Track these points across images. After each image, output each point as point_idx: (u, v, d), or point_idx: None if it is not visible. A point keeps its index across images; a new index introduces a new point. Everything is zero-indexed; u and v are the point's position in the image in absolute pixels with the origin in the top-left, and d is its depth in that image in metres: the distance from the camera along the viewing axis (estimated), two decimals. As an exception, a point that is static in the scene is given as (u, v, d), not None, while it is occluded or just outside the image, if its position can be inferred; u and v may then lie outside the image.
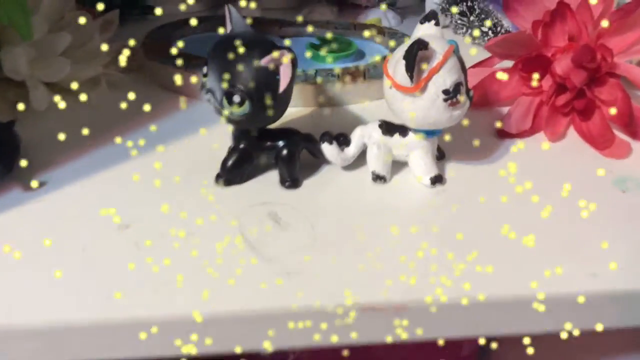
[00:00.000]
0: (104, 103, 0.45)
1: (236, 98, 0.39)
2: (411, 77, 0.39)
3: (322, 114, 0.51)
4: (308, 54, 0.55)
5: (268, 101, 0.39)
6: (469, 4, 0.64)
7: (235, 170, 0.42)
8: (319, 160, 0.43)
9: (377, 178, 0.42)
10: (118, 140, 0.40)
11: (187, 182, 0.42)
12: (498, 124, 0.45)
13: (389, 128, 0.42)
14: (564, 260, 0.36)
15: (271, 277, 0.35)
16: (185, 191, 0.42)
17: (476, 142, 0.42)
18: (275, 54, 0.38)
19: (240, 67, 0.39)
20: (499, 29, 0.64)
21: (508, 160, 0.48)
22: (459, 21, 0.65)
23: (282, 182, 0.42)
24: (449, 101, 0.40)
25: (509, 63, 0.51)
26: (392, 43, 0.51)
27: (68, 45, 0.48)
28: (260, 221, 0.40)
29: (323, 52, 0.55)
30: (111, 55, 0.52)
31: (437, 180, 0.42)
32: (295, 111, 0.51)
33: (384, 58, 0.56)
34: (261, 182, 0.42)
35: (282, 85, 0.39)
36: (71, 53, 0.49)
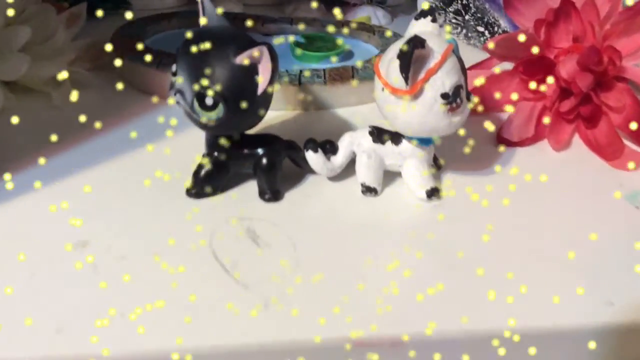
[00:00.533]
0: (69, 104, 0.41)
1: (208, 100, 0.35)
2: (406, 79, 0.35)
3: (306, 118, 0.48)
4: (292, 53, 0.52)
5: (245, 104, 0.35)
6: (464, 1, 0.60)
7: (209, 182, 0.38)
8: (303, 171, 0.40)
9: (368, 190, 0.39)
10: (80, 145, 0.36)
11: (155, 194, 0.38)
12: (490, 128, 0.40)
13: (380, 135, 0.38)
14: (576, 287, 0.32)
15: (246, 307, 0.31)
16: (153, 205, 0.38)
17: (470, 150, 0.37)
18: (253, 51, 0.34)
19: (213, 66, 0.34)
20: (495, 28, 0.60)
21: (509, 171, 0.44)
22: (453, 20, 0.61)
23: (261, 194, 0.38)
24: (448, 106, 0.35)
25: (508, 65, 0.47)
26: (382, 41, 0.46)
27: (28, 40, 0.44)
28: (237, 240, 0.35)
29: (308, 51, 0.52)
30: (77, 52, 0.49)
31: (434, 193, 0.38)
32: (277, 115, 0.47)
33: (376, 57, 0.52)
34: (238, 195, 0.39)
35: (261, 86, 0.35)
36: (32, 49, 0.46)
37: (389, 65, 0.36)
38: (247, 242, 0.35)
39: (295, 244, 0.35)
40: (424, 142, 0.39)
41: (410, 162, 0.39)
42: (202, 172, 0.38)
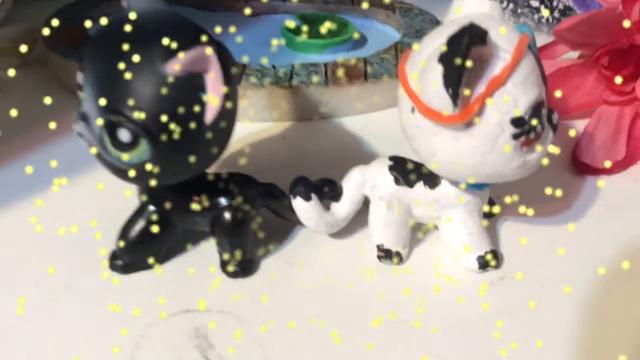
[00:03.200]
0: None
1: (123, 134, 0.21)
2: (455, 98, 0.21)
3: (298, 133, 0.36)
4: (282, 41, 0.42)
5: (185, 139, 0.21)
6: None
7: (143, 248, 0.26)
8: (289, 222, 0.28)
9: (387, 256, 0.27)
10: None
11: (67, 258, 0.27)
12: (555, 148, 0.25)
13: (406, 172, 0.27)
14: None
15: None
16: (59, 275, 0.26)
17: (547, 190, 0.23)
18: (192, 53, 0.20)
19: (132, 78, 0.21)
20: (555, 2, 0.46)
21: (594, 216, 0.30)
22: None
23: (223, 266, 0.27)
24: (523, 138, 0.21)
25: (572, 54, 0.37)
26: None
27: None
28: (177, 355, 0.22)
29: (304, 37, 0.41)
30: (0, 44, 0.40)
31: (490, 260, 0.27)
32: (257, 129, 0.36)
33: (396, 48, 0.40)
34: (187, 266, 0.27)
35: (211, 110, 0.21)
36: None
37: (424, 73, 0.22)
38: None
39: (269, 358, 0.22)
40: (477, 186, 0.25)
41: (454, 213, 0.27)
42: (132, 235, 0.26)
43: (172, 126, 0.22)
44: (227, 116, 0.23)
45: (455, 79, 0.21)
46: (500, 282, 0.27)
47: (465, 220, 0.27)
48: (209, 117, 0.22)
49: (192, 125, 0.22)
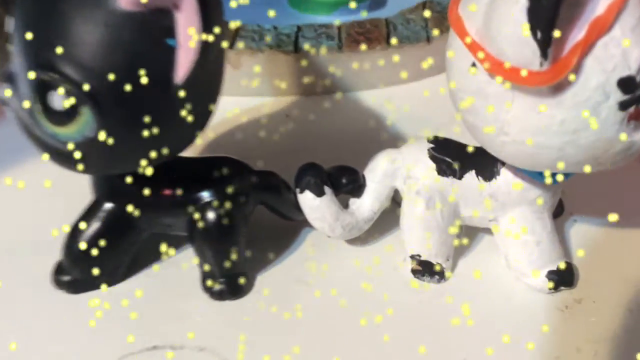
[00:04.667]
0: None
1: (59, 100, 0.15)
2: (544, 44, 0.14)
3: (307, 110, 0.30)
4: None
5: (148, 104, 0.16)
6: None
7: (96, 260, 0.20)
8: (294, 224, 0.23)
9: (424, 271, 0.21)
10: None
11: None
12: None
13: (453, 157, 0.21)
14: None
15: None
16: None
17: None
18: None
19: (72, 19, 0.16)
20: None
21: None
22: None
23: (205, 283, 0.21)
24: (633, 108, 0.16)
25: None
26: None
27: None
28: None
29: None
30: None
31: (565, 278, 0.21)
32: (251, 107, 0.30)
33: (424, 6, 0.34)
34: (158, 283, 0.21)
35: (184, 62, 0.15)
36: None
37: (494, 10, 0.15)
38: None
39: None
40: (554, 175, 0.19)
41: (517, 214, 0.21)
42: (86, 236, 0.20)
43: (127, 87, 0.15)
44: (208, 73, 0.17)
45: (547, 16, 0.14)
46: (578, 307, 0.20)
47: (532, 224, 0.21)
48: (181, 73, 0.16)
49: (156, 85, 0.15)
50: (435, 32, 0.31)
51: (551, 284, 0.20)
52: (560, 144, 0.16)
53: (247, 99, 0.30)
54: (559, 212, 0.23)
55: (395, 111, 0.30)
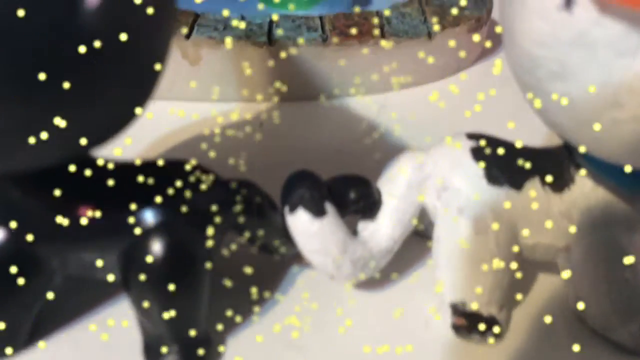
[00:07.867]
0: None
1: None
2: None
3: (282, 122, 0.24)
4: None
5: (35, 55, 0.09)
6: None
7: None
8: (280, 261, 0.17)
9: (471, 326, 0.14)
10: None
11: None
12: None
13: (507, 159, 0.15)
14: None
15: None
16: None
17: None
18: None
19: None
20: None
21: None
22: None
23: (149, 353, 0.14)
24: None
25: None
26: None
27: None
28: None
29: None
30: None
31: None
32: (216, 113, 0.24)
33: (420, 2, 0.28)
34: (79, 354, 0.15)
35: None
36: None
37: None
38: None
39: None
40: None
41: (597, 240, 0.15)
42: None
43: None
44: (147, 35, 0.10)
45: None
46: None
47: (619, 258, 0.14)
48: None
49: (50, 16, 0.09)
50: (436, 27, 0.26)
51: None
52: None
53: (208, 105, 0.24)
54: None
55: (394, 118, 0.25)
